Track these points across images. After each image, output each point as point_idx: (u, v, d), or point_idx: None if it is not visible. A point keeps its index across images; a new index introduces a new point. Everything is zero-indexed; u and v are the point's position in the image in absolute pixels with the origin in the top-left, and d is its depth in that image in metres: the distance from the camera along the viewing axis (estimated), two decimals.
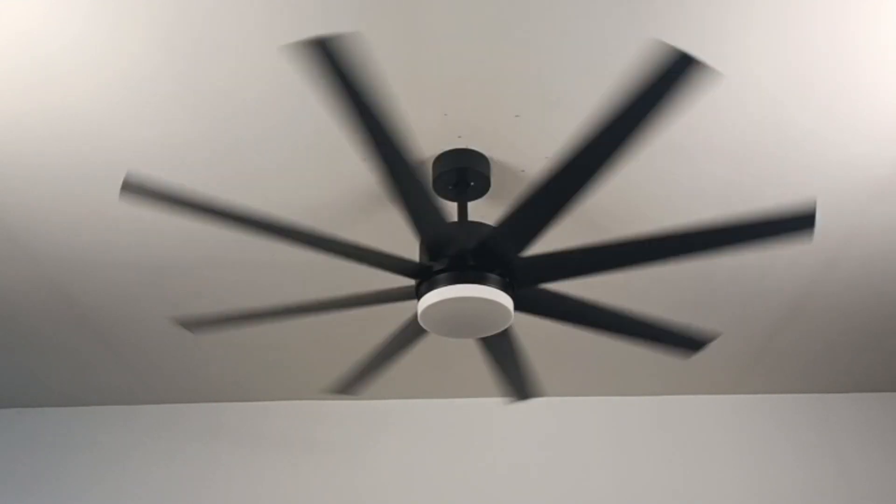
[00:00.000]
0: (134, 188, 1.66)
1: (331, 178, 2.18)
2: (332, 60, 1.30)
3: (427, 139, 2.03)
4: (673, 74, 1.28)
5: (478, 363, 3.30)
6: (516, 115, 1.96)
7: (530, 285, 1.87)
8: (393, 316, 2.90)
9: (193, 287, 2.70)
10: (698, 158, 2.11)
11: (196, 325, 2.15)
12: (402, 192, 1.61)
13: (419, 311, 1.82)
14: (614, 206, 2.29)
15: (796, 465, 3.43)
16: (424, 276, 1.82)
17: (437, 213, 1.67)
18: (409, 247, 2.44)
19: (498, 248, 1.74)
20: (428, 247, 1.78)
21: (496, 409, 3.61)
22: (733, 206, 2.28)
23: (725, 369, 3.35)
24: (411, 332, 2.12)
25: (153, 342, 3.09)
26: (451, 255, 1.78)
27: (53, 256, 2.53)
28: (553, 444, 3.52)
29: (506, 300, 1.78)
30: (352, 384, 2.42)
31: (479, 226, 1.85)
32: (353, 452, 3.52)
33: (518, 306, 1.97)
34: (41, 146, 2.06)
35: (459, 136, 2.03)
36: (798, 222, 1.63)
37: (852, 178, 2.19)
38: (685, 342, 2.12)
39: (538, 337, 3.07)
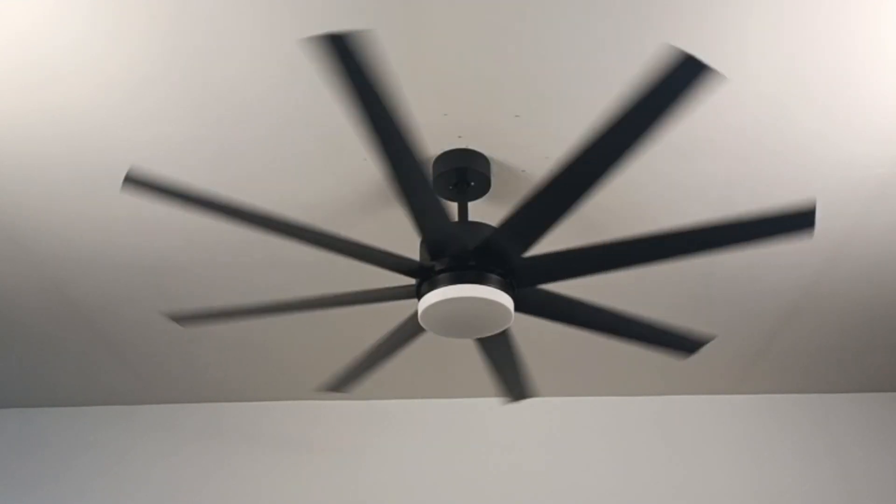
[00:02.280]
0: (137, 182, 1.65)
1: (331, 177, 2.18)
2: (346, 56, 1.29)
3: (427, 139, 2.03)
4: (680, 78, 1.27)
5: (478, 363, 3.30)
6: (516, 115, 1.96)
7: (531, 285, 1.87)
8: (394, 317, 2.90)
9: (193, 287, 2.70)
10: (699, 158, 2.11)
11: (188, 319, 2.10)
12: (407, 190, 1.61)
13: (419, 311, 1.82)
14: (615, 206, 2.29)
15: (796, 465, 3.43)
16: (425, 276, 1.82)
17: (441, 213, 1.67)
18: (409, 246, 2.44)
19: (499, 249, 1.75)
20: (429, 246, 1.78)
21: (496, 409, 3.61)
22: (734, 205, 2.28)
23: (725, 369, 3.35)
24: (408, 331, 2.11)
25: (153, 342, 3.09)
26: (452, 254, 1.78)
27: (53, 256, 2.53)
28: (553, 444, 3.52)
29: (506, 300, 1.79)
30: (344, 382, 2.42)
31: (480, 226, 1.85)
32: (352, 452, 3.52)
33: (518, 307, 1.97)
34: (41, 146, 2.06)
35: (459, 136, 2.03)
36: (798, 220, 1.62)
37: (852, 178, 2.19)
38: (682, 344, 2.13)
39: (538, 337, 3.07)
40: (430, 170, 2.13)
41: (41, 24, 1.69)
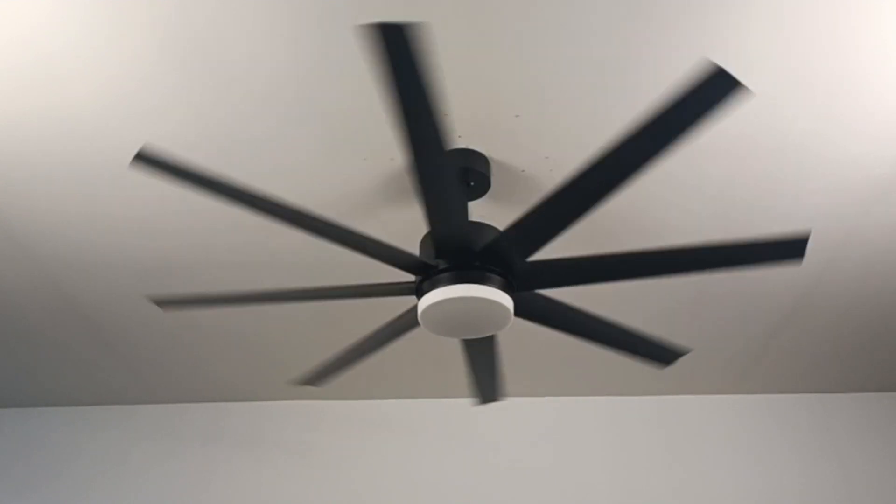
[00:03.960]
0: (148, 160, 1.59)
1: (330, 177, 2.18)
2: (400, 45, 1.26)
3: None
4: (710, 92, 1.26)
5: None
6: (516, 115, 1.96)
7: (529, 289, 1.88)
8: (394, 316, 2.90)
9: (193, 287, 2.70)
10: (699, 158, 2.11)
11: (167, 302, 2.04)
12: (430, 182, 1.57)
13: (420, 309, 1.81)
14: (614, 205, 2.28)
15: (796, 465, 3.43)
16: (427, 274, 1.81)
17: (461, 211, 1.67)
18: (410, 246, 2.44)
19: (505, 252, 1.75)
20: (438, 243, 1.76)
21: (496, 409, 3.61)
22: (733, 205, 2.28)
23: (725, 369, 3.35)
24: (399, 329, 2.10)
25: (153, 342, 3.09)
26: (458, 254, 1.78)
27: (53, 256, 2.53)
28: (553, 444, 3.52)
29: (507, 301, 1.79)
30: (322, 376, 2.39)
31: (487, 228, 1.86)
32: (352, 452, 3.52)
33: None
34: (41, 146, 2.06)
35: (459, 136, 2.03)
36: (790, 248, 1.70)
37: (852, 179, 2.19)
38: (659, 354, 2.21)
39: (538, 337, 3.07)
40: None
41: (41, 24, 1.69)
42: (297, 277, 2.65)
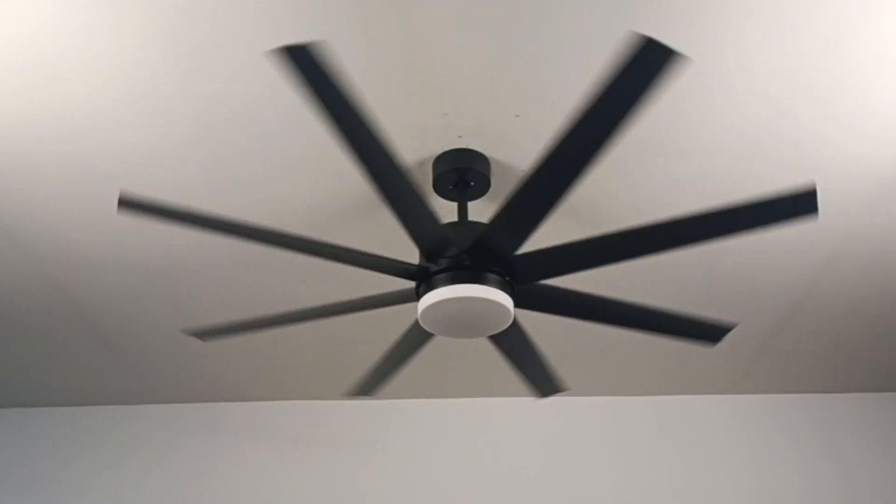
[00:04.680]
0: (130, 204, 1.70)
1: (329, 179, 2.18)
2: (309, 66, 1.32)
3: (427, 139, 2.03)
4: (646, 63, 1.27)
5: (478, 363, 3.30)
6: (516, 115, 1.96)
7: (530, 282, 1.87)
8: (393, 315, 2.90)
9: (193, 287, 2.70)
10: (699, 158, 2.11)
11: (205, 333, 2.18)
12: (392, 196, 1.62)
13: (419, 313, 1.82)
14: (615, 207, 2.29)
15: (796, 465, 3.43)
16: (422, 278, 1.82)
17: (430, 215, 1.68)
18: (408, 246, 2.44)
19: (493, 246, 1.74)
20: (422, 248, 1.78)
21: (496, 409, 3.61)
22: None
23: (725, 369, 3.35)
24: (419, 334, 2.13)
25: (153, 342, 3.09)
26: (447, 255, 1.78)
27: (53, 256, 2.53)
28: (553, 444, 3.52)
29: (504, 299, 1.78)
30: (369, 386, 2.44)
31: (472, 225, 1.86)
32: (353, 452, 3.52)
33: (522, 303, 1.96)
34: (41, 146, 2.06)
35: (459, 136, 2.03)
36: (801, 204, 1.58)
37: (852, 178, 2.19)
38: (706, 333, 2.06)
39: (538, 336, 3.07)
40: (429, 170, 2.13)
41: (41, 24, 1.69)
42: (296, 275, 2.65)
